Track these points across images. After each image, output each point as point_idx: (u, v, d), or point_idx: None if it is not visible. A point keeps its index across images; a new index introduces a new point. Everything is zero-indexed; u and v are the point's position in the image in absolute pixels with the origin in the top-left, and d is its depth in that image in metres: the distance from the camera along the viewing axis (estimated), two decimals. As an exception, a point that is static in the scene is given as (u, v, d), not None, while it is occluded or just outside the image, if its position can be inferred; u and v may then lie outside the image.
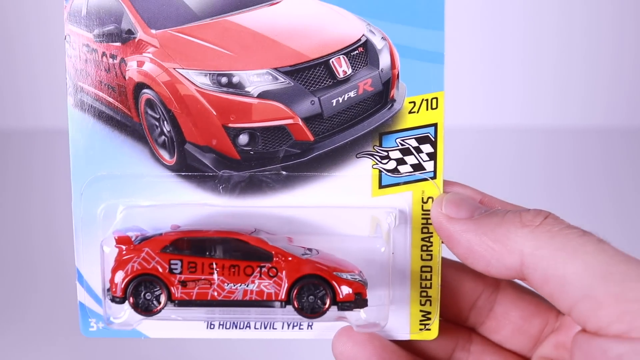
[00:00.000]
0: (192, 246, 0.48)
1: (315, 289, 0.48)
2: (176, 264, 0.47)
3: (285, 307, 0.48)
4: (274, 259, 0.47)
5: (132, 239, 0.48)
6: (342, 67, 0.50)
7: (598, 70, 1.33)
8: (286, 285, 0.47)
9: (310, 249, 0.49)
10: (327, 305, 0.48)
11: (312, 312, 0.48)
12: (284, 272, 0.47)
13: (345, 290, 0.48)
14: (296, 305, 0.48)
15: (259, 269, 0.47)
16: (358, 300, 0.48)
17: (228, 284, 0.47)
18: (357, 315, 0.49)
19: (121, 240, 0.48)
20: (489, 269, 0.44)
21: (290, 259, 0.48)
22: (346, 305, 0.48)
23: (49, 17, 1.26)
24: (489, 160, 1.21)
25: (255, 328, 0.50)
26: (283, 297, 0.48)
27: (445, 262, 0.51)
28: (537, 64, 1.33)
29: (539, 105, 1.33)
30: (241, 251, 0.48)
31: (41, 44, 1.29)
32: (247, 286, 0.47)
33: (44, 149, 1.18)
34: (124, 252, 0.48)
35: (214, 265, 0.47)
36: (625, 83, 1.33)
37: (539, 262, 0.42)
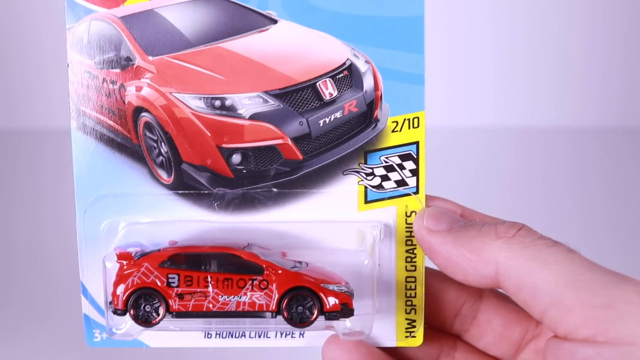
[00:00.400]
0: (188, 261, 0.50)
1: (304, 300, 0.50)
2: (173, 278, 0.50)
3: (275, 317, 0.50)
4: (265, 272, 0.50)
5: (132, 255, 0.51)
6: (328, 89, 0.53)
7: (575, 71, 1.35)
8: (276, 296, 0.50)
9: (300, 262, 0.52)
10: (314, 316, 0.50)
11: (300, 321, 0.50)
12: (274, 284, 0.50)
13: (331, 301, 0.50)
14: (286, 316, 0.50)
15: (250, 281, 0.50)
16: (344, 310, 0.50)
17: (222, 296, 0.50)
18: (343, 324, 0.51)
19: (122, 256, 0.51)
20: (467, 278, 0.47)
21: (280, 272, 0.50)
22: (333, 315, 0.50)
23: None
24: (472, 161, 1.23)
25: (250, 337, 0.53)
26: (273, 308, 0.50)
27: (429, 272, 0.53)
28: (508, 65, 1.35)
29: (511, 106, 1.35)
30: (234, 265, 0.50)
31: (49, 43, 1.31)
32: (240, 298, 0.50)
33: (54, 151, 1.21)
34: (125, 267, 0.51)
35: (209, 279, 0.50)
36: (599, 83, 1.35)
37: (512, 271, 0.45)
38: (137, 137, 0.53)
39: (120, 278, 0.51)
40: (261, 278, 0.50)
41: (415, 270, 0.53)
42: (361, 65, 0.52)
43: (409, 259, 0.52)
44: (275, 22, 0.52)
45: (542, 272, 0.43)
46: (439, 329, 0.55)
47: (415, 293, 0.53)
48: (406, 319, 0.53)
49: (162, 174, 0.53)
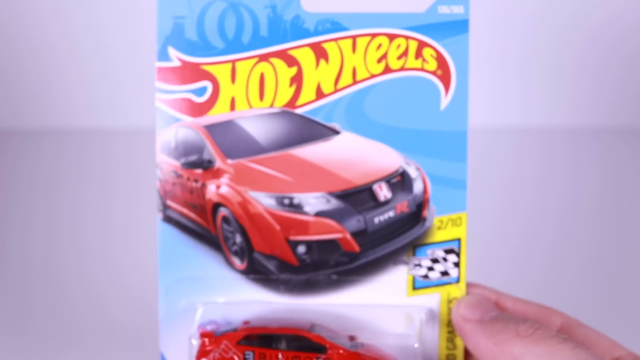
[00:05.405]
0: (262, 340, 0.58)
1: None
2: (249, 355, 0.57)
3: None
4: (329, 351, 0.57)
5: (213, 333, 0.58)
6: (383, 192, 0.61)
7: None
8: None
9: (357, 341, 0.59)
10: None
11: None
12: None
13: None
14: None
15: (316, 359, 0.57)
16: None
17: None
18: (395, 397, 0.58)
19: (204, 335, 0.58)
20: None
21: (341, 351, 0.57)
22: None
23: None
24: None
25: (308, 408, 0.60)
26: None
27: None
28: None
29: (506, 106, 1.33)
30: (302, 344, 0.57)
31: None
32: None
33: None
34: (207, 344, 0.57)
35: (280, 356, 0.57)
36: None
37: None
38: (215, 228, 0.61)
39: (202, 353, 0.57)
40: (325, 357, 0.57)
41: (455, 348, 0.60)
42: (412, 172, 0.61)
43: (450, 339, 0.60)
44: (338, 133, 0.60)
45: None
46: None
47: (456, 370, 0.60)
48: (448, 392, 0.60)
49: (236, 260, 0.60)
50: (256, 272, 0.60)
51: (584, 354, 0.51)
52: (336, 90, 0.60)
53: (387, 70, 0.60)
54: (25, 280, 0.94)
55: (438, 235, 0.60)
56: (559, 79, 1.33)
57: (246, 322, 0.59)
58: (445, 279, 0.60)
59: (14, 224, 1.04)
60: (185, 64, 0.60)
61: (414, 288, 0.60)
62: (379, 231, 0.61)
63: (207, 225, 0.61)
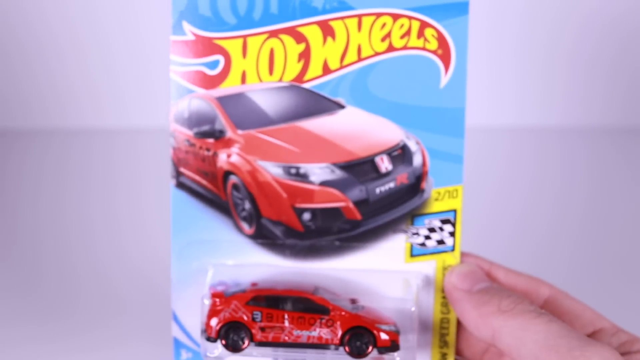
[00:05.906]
0: (269, 301, 0.61)
1: (362, 336, 0.61)
2: (257, 314, 0.61)
3: (338, 349, 0.61)
4: (331, 313, 0.61)
5: (224, 294, 0.62)
6: (384, 164, 0.64)
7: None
8: (340, 333, 0.61)
9: (357, 304, 0.62)
10: (370, 349, 0.61)
11: (358, 354, 0.61)
12: (338, 323, 0.61)
13: (383, 337, 0.61)
14: (347, 350, 0.61)
15: (319, 320, 0.61)
16: (393, 345, 0.61)
17: (296, 331, 0.61)
18: (392, 356, 0.62)
19: (216, 295, 0.62)
20: (474, 332, 0.59)
21: (343, 313, 0.61)
22: (383, 349, 0.62)
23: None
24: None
25: (310, 365, 0.64)
26: (337, 342, 0.61)
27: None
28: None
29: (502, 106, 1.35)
30: (307, 306, 0.61)
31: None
32: (310, 333, 0.61)
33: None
34: (217, 304, 0.61)
35: (286, 316, 0.61)
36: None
37: (503, 337, 0.56)
38: (225, 195, 0.64)
39: (214, 312, 0.61)
40: (328, 318, 0.61)
41: (448, 313, 0.64)
42: (412, 146, 0.63)
43: (444, 304, 0.64)
44: (343, 107, 0.63)
45: (525, 338, 0.54)
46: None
47: (448, 331, 0.64)
48: (440, 352, 0.65)
49: (245, 226, 0.64)
50: (263, 237, 0.63)
51: (557, 327, 0.54)
52: (342, 67, 0.63)
53: (391, 48, 0.62)
54: (38, 259, 0.98)
55: (435, 206, 0.63)
56: (552, 79, 1.34)
57: (254, 284, 0.63)
58: (441, 247, 0.64)
59: (22, 220, 1.08)
60: (198, 38, 0.62)
61: (412, 255, 0.64)
62: (380, 201, 0.64)
63: (218, 192, 0.64)
